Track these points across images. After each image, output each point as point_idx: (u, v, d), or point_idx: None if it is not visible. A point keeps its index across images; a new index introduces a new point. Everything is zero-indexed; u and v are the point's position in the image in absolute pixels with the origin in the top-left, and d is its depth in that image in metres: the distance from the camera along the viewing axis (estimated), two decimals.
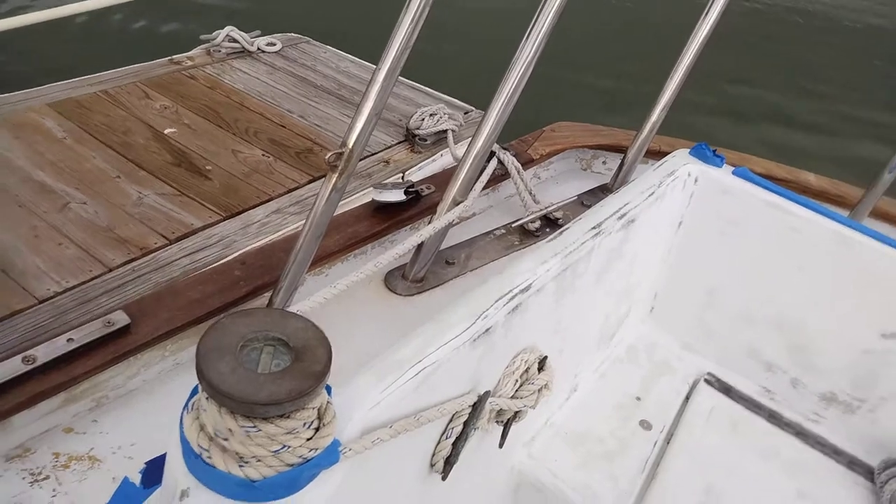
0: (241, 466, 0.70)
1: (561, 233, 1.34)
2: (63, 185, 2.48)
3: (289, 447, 0.71)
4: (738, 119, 5.55)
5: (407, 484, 1.05)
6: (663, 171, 1.63)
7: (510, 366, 1.20)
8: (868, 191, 2.07)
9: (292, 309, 1.05)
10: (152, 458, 0.84)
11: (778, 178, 2.30)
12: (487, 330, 1.08)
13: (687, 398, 1.61)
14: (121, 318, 1.38)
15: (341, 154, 1.37)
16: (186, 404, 0.75)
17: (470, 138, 1.66)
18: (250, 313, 0.76)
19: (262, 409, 0.67)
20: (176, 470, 0.72)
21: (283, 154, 2.87)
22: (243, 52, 3.65)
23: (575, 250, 1.30)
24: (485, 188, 1.88)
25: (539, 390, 1.21)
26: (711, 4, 1.89)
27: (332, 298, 1.22)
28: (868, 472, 1.50)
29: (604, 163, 2.48)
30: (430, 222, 1.67)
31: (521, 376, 1.20)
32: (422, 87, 3.54)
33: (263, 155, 2.85)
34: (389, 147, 3.01)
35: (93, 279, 2.07)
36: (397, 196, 1.91)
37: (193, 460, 0.71)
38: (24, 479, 1.24)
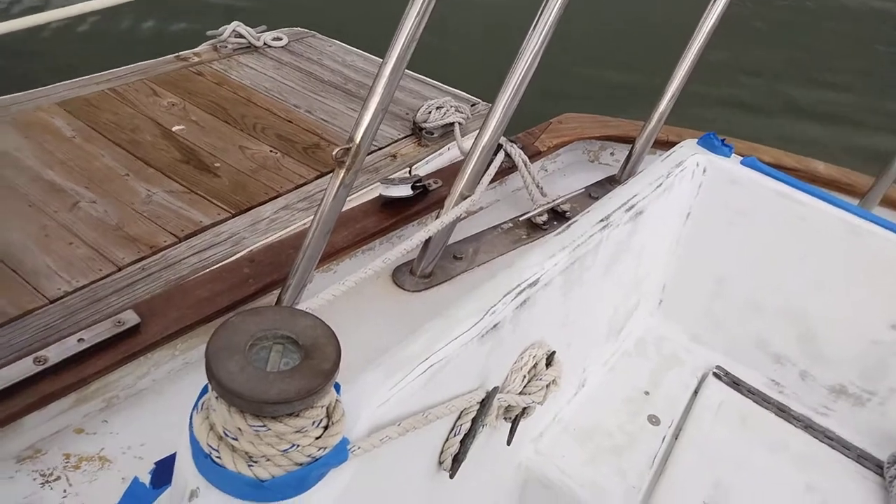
0: (250, 466, 0.70)
1: (569, 226, 1.33)
2: (72, 184, 2.49)
3: (298, 446, 0.71)
4: (746, 108, 5.50)
5: (415, 482, 1.05)
6: (671, 161, 1.61)
7: (518, 361, 1.20)
8: (878, 179, 2.05)
9: (301, 306, 1.05)
10: (162, 458, 0.85)
11: (787, 167, 2.28)
12: (496, 325, 1.08)
13: (695, 392, 1.61)
14: (131, 318, 1.39)
15: (348, 150, 1.37)
16: (196, 404, 0.75)
17: (477, 131, 1.66)
18: (259, 312, 0.76)
19: (272, 407, 0.67)
20: (185, 470, 0.73)
21: (291, 149, 2.88)
22: (250, 48, 3.65)
23: (583, 243, 1.30)
24: (492, 181, 1.87)
25: (547, 386, 1.21)
26: None
27: (340, 295, 1.22)
28: (877, 466, 1.49)
29: (612, 154, 2.47)
30: (437, 217, 1.67)
31: (529, 372, 1.20)
32: (428, 79, 3.54)
33: (271, 151, 2.85)
34: (396, 141, 3.01)
35: (103, 278, 2.08)
36: (405, 191, 1.91)
37: (203, 460, 0.71)
38: (34, 479, 1.25)
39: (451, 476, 1.06)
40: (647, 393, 1.58)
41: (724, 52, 5.35)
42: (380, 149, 2.93)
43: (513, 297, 1.12)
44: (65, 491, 1.24)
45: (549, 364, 1.24)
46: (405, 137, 3.04)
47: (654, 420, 1.52)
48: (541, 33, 1.50)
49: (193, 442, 0.72)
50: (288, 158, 2.82)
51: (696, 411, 1.55)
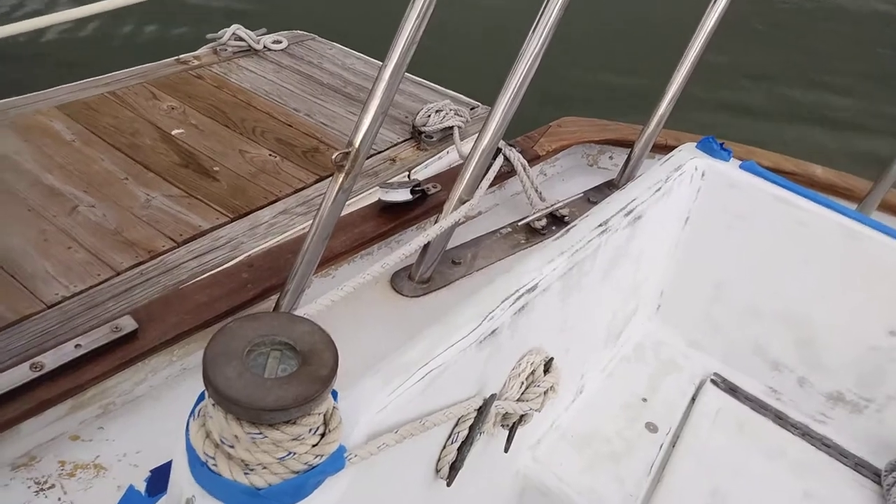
0: (246, 474, 0.70)
1: (567, 231, 1.33)
2: (72, 188, 2.49)
3: (294, 454, 0.71)
4: (745, 112, 5.50)
5: (412, 490, 1.05)
6: (670, 165, 1.61)
7: (516, 368, 1.19)
8: (876, 184, 2.05)
9: (299, 312, 1.05)
10: (158, 465, 0.85)
11: (785, 172, 2.28)
12: (494, 331, 1.08)
13: (693, 399, 1.61)
14: (128, 324, 1.39)
15: (348, 154, 1.36)
16: (193, 410, 0.75)
17: (476, 135, 1.65)
18: (257, 317, 0.76)
19: (269, 415, 0.67)
20: (181, 478, 0.73)
21: (290, 153, 2.88)
22: (249, 51, 3.65)
23: (581, 248, 1.30)
24: (491, 186, 1.87)
25: (545, 392, 1.20)
26: None
27: (338, 301, 1.21)
28: (875, 474, 1.49)
29: (610, 158, 2.47)
30: (436, 222, 1.67)
31: (527, 378, 1.19)
32: (427, 83, 3.54)
33: (270, 155, 2.85)
34: (395, 145, 3.01)
35: (101, 283, 2.08)
36: (403, 196, 1.90)
37: (199, 468, 0.71)
38: (29, 487, 1.24)
39: (449, 484, 1.06)
40: (644, 399, 1.58)
41: (723, 55, 5.35)
42: (379, 152, 2.93)
43: (511, 302, 1.12)
44: (59, 499, 1.23)
45: (546, 370, 1.24)
46: (404, 141, 3.04)
47: (651, 427, 1.52)
48: (540, 36, 1.49)
49: (189, 449, 0.72)
50: (287, 162, 2.82)
51: (694, 418, 1.55)
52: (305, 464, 0.72)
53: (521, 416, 1.19)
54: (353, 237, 1.80)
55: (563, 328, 1.36)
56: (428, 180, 2.04)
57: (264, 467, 0.70)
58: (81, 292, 2.04)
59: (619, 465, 1.42)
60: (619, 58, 5.91)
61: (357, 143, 1.35)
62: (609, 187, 2.26)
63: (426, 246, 1.72)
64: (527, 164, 2.10)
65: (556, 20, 1.48)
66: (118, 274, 2.13)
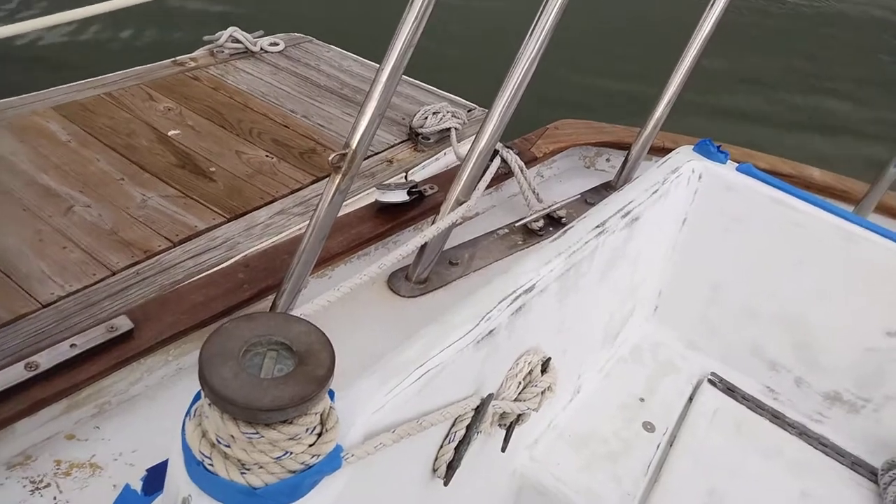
0: (242, 473, 0.70)
1: (564, 232, 1.33)
2: (67, 189, 2.48)
3: (291, 453, 0.71)
4: (742, 118, 5.51)
5: (409, 489, 1.04)
6: (667, 168, 1.62)
7: (513, 368, 1.19)
8: (873, 186, 2.05)
9: (296, 312, 1.05)
10: (154, 464, 0.84)
11: (782, 174, 2.29)
12: (491, 331, 1.08)
13: (690, 399, 1.61)
14: (124, 323, 1.38)
15: (345, 155, 1.36)
16: (189, 410, 0.75)
17: (473, 136, 1.65)
18: (253, 318, 0.75)
19: (265, 414, 0.67)
20: (177, 477, 0.72)
21: (287, 154, 2.87)
22: (246, 53, 3.65)
23: (578, 249, 1.30)
24: (488, 187, 1.87)
25: (542, 392, 1.20)
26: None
27: (335, 301, 1.21)
28: (871, 473, 1.49)
29: (607, 160, 2.47)
30: (433, 223, 1.67)
31: (524, 378, 1.19)
32: (425, 85, 3.54)
33: (267, 156, 2.85)
34: (392, 146, 3.01)
35: (97, 283, 2.07)
36: (400, 197, 1.90)
37: (195, 467, 0.71)
38: (24, 486, 1.24)
39: (446, 483, 1.06)
40: (642, 399, 1.58)
41: (720, 60, 5.37)
42: (376, 154, 2.92)
43: (508, 303, 1.12)
44: (55, 498, 1.23)
45: (544, 370, 1.24)
46: (401, 143, 3.04)
47: (649, 427, 1.52)
48: (538, 39, 1.50)
49: (186, 449, 0.72)
50: (284, 163, 2.81)
51: (691, 418, 1.55)
52: (302, 463, 0.72)
53: (519, 415, 1.19)
54: (350, 238, 1.80)
55: (561, 329, 1.36)
56: (425, 181, 2.05)
57: (261, 467, 0.70)
58: (77, 292, 2.03)
59: (617, 464, 1.42)
60: (617, 61, 5.92)
61: (354, 144, 1.35)
62: (606, 189, 2.26)
63: (423, 247, 1.72)
64: (524, 165, 2.10)
65: (554, 23, 1.49)
66: (114, 274, 2.12)
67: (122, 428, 1.36)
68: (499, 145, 1.97)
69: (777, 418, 1.59)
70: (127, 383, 1.40)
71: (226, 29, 3.65)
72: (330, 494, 0.75)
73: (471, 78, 3.74)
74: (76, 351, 1.31)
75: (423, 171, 2.89)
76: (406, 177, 2.85)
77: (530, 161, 2.21)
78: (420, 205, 1.95)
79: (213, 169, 2.72)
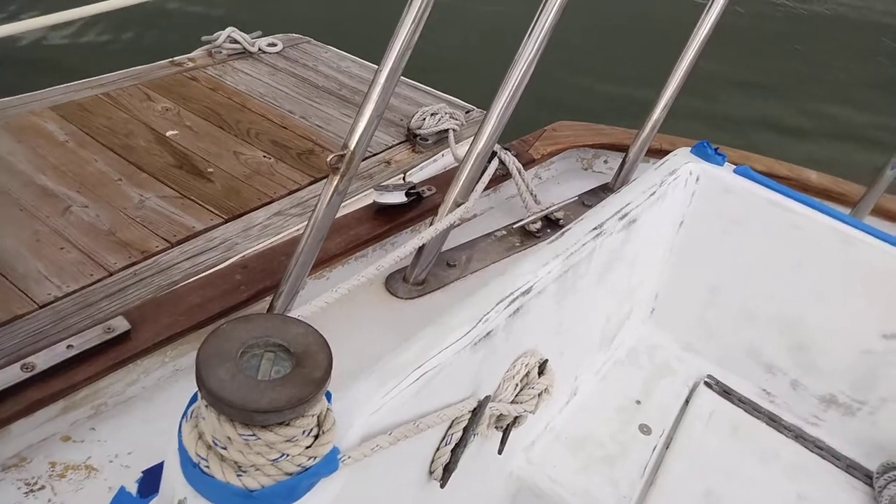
0: (238, 476, 0.70)
1: (562, 234, 1.33)
2: (65, 189, 2.48)
3: (288, 455, 0.71)
4: (739, 122, 5.51)
5: (406, 491, 1.04)
6: (665, 170, 1.62)
7: (511, 370, 1.19)
8: (870, 188, 2.06)
9: (293, 314, 1.05)
10: (150, 466, 0.84)
11: (779, 176, 2.29)
12: (488, 333, 1.08)
13: (687, 401, 1.61)
14: (121, 324, 1.38)
15: (343, 156, 1.36)
16: (185, 412, 0.75)
17: (471, 138, 1.65)
18: (251, 319, 0.75)
19: (262, 416, 0.67)
20: (173, 479, 0.72)
21: (285, 155, 2.87)
22: (244, 53, 3.65)
23: (576, 251, 1.30)
24: (486, 189, 1.87)
25: (539, 395, 1.20)
26: (713, 1, 1.88)
27: (333, 303, 1.21)
28: (867, 476, 1.49)
29: (605, 162, 2.47)
30: (431, 224, 1.67)
31: (521, 380, 1.19)
32: (423, 86, 3.54)
33: (265, 156, 2.85)
34: (391, 147, 3.01)
35: (94, 283, 2.07)
36: (398, 198, 1.90)
37: (191, 469, 0.71)
38: (18, 488, 1.23)
39: (442, 486, 1.06)
40: (638, 402, 1.58)
41: (716, 62, 5.37)
42: (374, 155, 2.92)
43: (506, 304, 1.12)
44: (49, 500, 1.22)
45: (541, 372, 1.24)
46: (399, 144, 3.04)
47: (645, 429, 1.52)
48: (536, 41, 1.50)
49: (182, 451, 0.72)
50: (282, 164, 2.81)
51: (688, 420, 1.55)
52: (299, 465, 0.72)
53: (516, 417, 1.19)
54: (347, 239, 1.79)
55: (558, 331, 1.36)
56: (423, 183, 2.04)
57: (257, 469, 0.70)
58: (74, 292, 2.03)
59: (613, 467, 1.42)
60: (615, 62, 5.93)
61: (352, 145, 1.35)
62: (604, 191, 2.26)
63: (421, 248, 1.72)
64: (522, 167, 2.10)
65: (553, 25, 1.49)
66: (111, 274, 2.12)
67: (118, 429, 1.36)
68: (497, 147, 1.97)
69: (773, 421, 1.59)
70: (124, 384, 1.40)
71: (224, 29, 3.65)
72: (326, 497, 0.75)
73: (469, 79, 3.75)
74: (73, 352, 1.31)
75: (421, 173, 2.89)
76: (404, 178, 2.85)
77: (528, 163, 2.21)
78: (418, 206, 1.95)
79: (210, 169, 2.71)
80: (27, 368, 1.27)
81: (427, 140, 3.01)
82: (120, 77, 3.27)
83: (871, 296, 1.52)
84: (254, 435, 0.68)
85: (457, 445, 1.04)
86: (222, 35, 3.61)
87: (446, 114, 3.06)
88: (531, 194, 2.11)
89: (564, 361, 1.39)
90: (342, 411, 0.81)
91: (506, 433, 1.21)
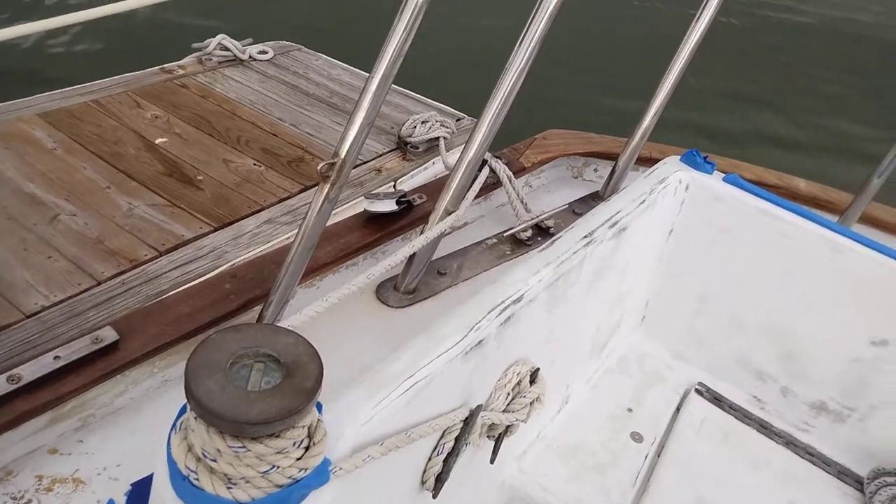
0: (229, 488, 0.69)
1: (553, 242, 1.33)
2: (53, 197, 2.46)
3: (278, 467, 0.70)
4: (726, 134, 5.54)
5: (397, 502, 1.04)
6: (654, 178, 1.63)
7: (502, 379, 1.19)
8: (857, 196, 2.08)
9: (283, 323, 1.04)
10: (139, 479, 0.83)
11: (768, 185, 2.30)
12: (480, 342, 1.08)
13: (678, 409, 1.61)
14: (109, 335, 1.36)
15: (333, 164, 1.36)
16: (174, 424, 0.74)
17: (462, 146, 1.66)
18: (240, 329, 0.75)
19: (252, 428, 0.66)
20: (162, 492, 0.71)
21: (275, 163, 2.87)
22: (235, 61, 3.64)
23: (567, 260, 1.30)
24: (476, 197, 1.87)
25: (531, 403, 1.20)
26: (703, 10, 1.90)
27: (323, 312, 1.21)
28: (857, 482, 1.50)
29: (595, 170, 2.48)
30: (422, 232, 1.67)
31: (512, 389, 1.19)
32: (413, 94, 3.55)
33: (255, 164, 2.84)
34: (381, 155, 3.01)
35: (81, 293, 2.05)
36: (389, 206, 1.90)
37: (180, 482, 0.70)
38: (4, 503, 1.21)
39: (434, 496, 1.05)
40: (630, 410, 1.58)
41: (705, 74, 5.41)
42: (364, 163, 2.92)
43: (497, 313, 1.12)
44: None
45: (532, 381, 1.24)
46: (390, 151, 3.04)
47: (637, 437, 1.52)
48: (527, 49, 1.50)
49: (171, 463, 0.71)
50: (272, 172, 2.80)
51: (679, 428, 1.55)
52: (289, 477, 0.71)
53: (507, 426, 1.19)
54: (338, 248, 1.79)
55: (549, 339, 1.36)
56: (414, 191, 2.04)
57: (247, 481, 0.70)
58: (61, 302, 2.01)
59: (605, 475, 1.42)
60: (606, 70, 5.96)
61: (343, 153, 1.35)
62: (594, 199, 2.27)
63: (412, 256, 1.71)
64: (512, 175, 2.10)
65: (544, 33, 1.49)
66: (99, 283, 2.10)
67: (106, 441, 1.34)
68: (487, 155, 1.97)
69: (764, 428, 1.60)
70: (112, 395, 1.38)
71: (214, 36, 3.64)
72: None
73: (460, 87, 3.76)
74: (60, 363, 1.29)
75: (411, 181, 2.89)
76: (395, 186, 2.85)
77: (518, 171, 2.21)
78: (409, 214, 1.95)
79: (200, 177, 2.70)
80: (13, 380, 1.26)
81: (418, 148, 3.01)
82: (109, 84, 3.25)
83: (860, 303, 1.53)
84: (244, 447, 0.67)
85: (449, 455, 1.04)
86: (213, 42, 3.61)
87: (437, 122, 3.06)
88: (522, 202, 2.11)
89: (556, 370, 1.39)
90: (333, 422, 0.80)
91: (498, 442, 1.20)
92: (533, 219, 2.09)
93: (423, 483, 1.05)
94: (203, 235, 2.38)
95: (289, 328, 0.77)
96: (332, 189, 1.38)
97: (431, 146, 3.03)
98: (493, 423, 1.16)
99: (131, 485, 0.85)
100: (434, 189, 1.93)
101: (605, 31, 6.70)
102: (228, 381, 0.69)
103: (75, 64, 4.96)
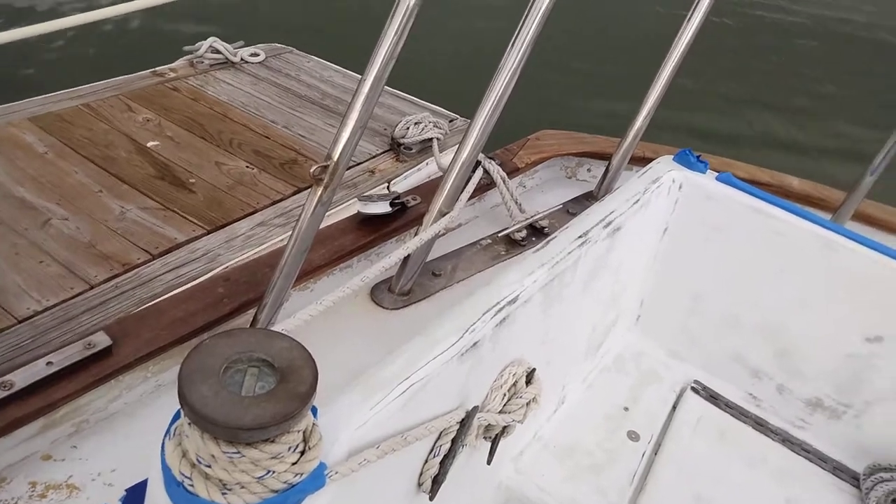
0: (224, 494, 0.68)
1: (547, 242, 1.33)
2: (44, 201, 2.45)
3: (273, 472, 0.70)
4: (718, 135, 5.55)
5: None
6: (648, 177, 1.63)
7: (498, 379, 1.19)
8: (850, 194, 2.08)
9: (277, 327, 1.04)
10: (133, 484, 0.83)
11: (761, 183, 2.31)
12: (475, 343, 1.07)
13: (674, 407, 1.61)
14: (102, 340, 1.36)
15: (326, 167, 1.35)
16: (168, 429, 0.73)
17: (455, 147, 1.65)
18: (234, 334, 0.74)
19: (247, 433, 0.66)
20: (157, 498, 0.71)
21: (268, 165, 2.86)
22: (226, 63, 3.63)
23: (561, 260, 1.30)
24: (470, 198, 1.87)
25: (527, 404, 1.20)
26: (694, 9, 1.90)
27: (317, 315, 1.20)
28: (853, 478, 1.51)
29: (588, 170, 2.48)
30: (416, 234, 1.66)
31: (509, 390, 1.19)
32: (407, 95, 3.54)
33: (247, 167, 2.83)
34: (374, 157, 3.00)
35: (74, 297, 2.04)
36: (383, 208, 1.90)
37: (175, 488, 0.69)
38: None
39: (431, 498, 1.05)
40: (626, 409, 1.58)
41: (698, 74, 5.42)
42: (358, 164, 2.92)
43: (492, 314, 1.11)
44: None
45: (528, 382, 1.24)
46: (383, 153, 3.04)
47: (633, 436, 1.52)
48: (520, 50, 1.50)
49: (165, 469, 0.71)
50: (265, 174, 2.79)
51: (675, 426, 1.55)
52: (285, 482, 0.71)
53: (504, 427, 1.19)
54: (332, 250, 1.78)
55: (545, 339, 1.36)
56: (407, 192, 2.04)
57: (242, 487, 0.69)
58: (54, 306, 1.99)
59: (602, 474, 1.42)
60: (599, 70, 5.97)
61: (336, 156, 1.34)
62: (588, 199, 2.27)
63: (406, 258, 1.71)
64: (506, 176, 2.10)
65: (536, 34, 1.49)
66: (92, 287, 2.09)
67: (100, 447, 1.33)
68: (481, 156, 1.97)
69: (760, 425, 1.60)
70: (105, 401, 1.37)
71: (205, 39, 3.63)
72: None
73: (453, 89, 3.75)
74: (53, 369, 1.28)
75: (405, 182, 2.89)
76: (388, 187, 2.84)
77: (512, 172, 2.21)
78: (403, 216, 1.95)
79: (192, 180, 2.69)
80: (5, 386, 1.25)
81: (411, 149, 3.01)
82: (100, 88, 3.24)
83: (854, 300, 1.54)
84: (238, 452, 0.67)
85: (445, 457, 1.04)
86: (204, 45, 3.59)
87: (430, 123, 3.06)
88: (516, 203, 2.11)
89: (551, 370, 1.39)
90: (328, 426, 0.80)
91: (494, 443, 1.20)
92: (527, 219, 2.09)
93: (419, 485, 1.05)
94: (196, 238, 2.37)
95: (283, 332, 0.76)
96: (325, 192, 1.38)
97: (425, 147, 3.03)
98: (489, 425, 1.16)
99: (126, 490, 0.85)
100: (428, 190, 1.92)
101: (598, 32, 6.71)
102: (222, 386, 0.68)
103: (66, 68, 4.93)
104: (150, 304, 1.56)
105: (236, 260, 2.28)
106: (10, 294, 2.02)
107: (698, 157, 1.70)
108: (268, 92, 3.44)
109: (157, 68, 3.49)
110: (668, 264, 1.72)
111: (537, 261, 1.26)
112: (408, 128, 3.02)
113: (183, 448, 0.70)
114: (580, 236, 1.36)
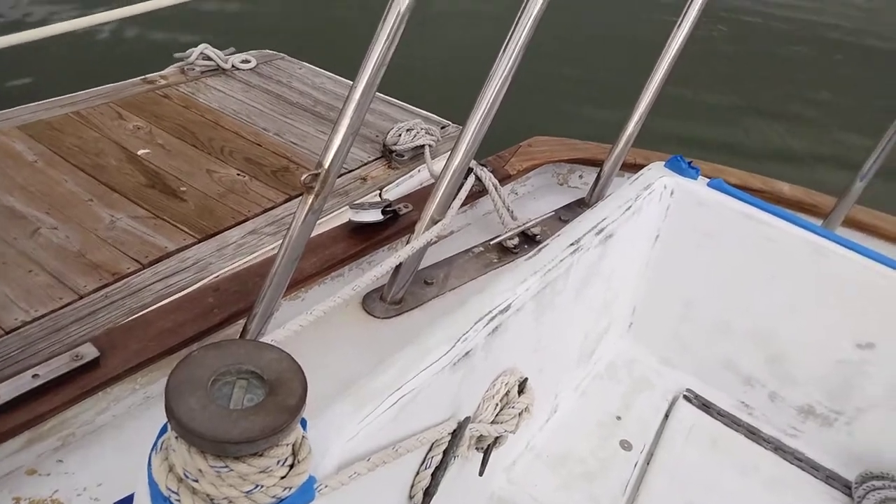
0: None
1: (539, 250, 1.33)
2: (33, 210, 2.43)
3: (262, 487, 0.69)
4: (713, 142, 5.56)
5: None
6: (639, 184, 1.63)
7: (490, 389, 1.18)
8: (840, 200, 2.09)
9: (267, 338, 1.02)
10: (120, 499, 0.81)
11: (753, 189, 2.31)
12: (467, 353, 1.07)
13: (666, 416, 1.61)
14: (89, 352, 1.34)
15: (317, 175, 1.35)
16: (155, 443, 0.72)
17: (447, 153, 1.65)
18: (222, 346, 0.73)
19: (234, 447, 0.65)
20: None
21: (259, 173, 2.85)
22: (218, 70, 3.62)
23: (554, 267, 1.29)
24: (462, 205, 1.87)
25: (520, 414, 1.19)
26: (685, 15, 1.90)
27: (308, 325, 1.19)
28: (845, 487, 1.50)
29: (580, 177, 2.48)
30: (408, 242, 1.66)
31: (501, 400, 1.18)
32: (398, 102, 3.54)
33: (239, 174, 2.82)
34: (366, 164, 3.00)
35: (63, 307, 2.02)
36: (374, 216, 1.89)
37: (162, 503, 0.68)
38: None
39: None
40: (618, 418, 1.58)
41: (689, 80, 5.43)
42: (349, 171, 2.91)
43: (484, 323, 1.11)
44: None
45: (521, 391, 1.23)
46: (375, 160, 3.03)
47: (625, 445, 1.51)
48: (511, 56, 1.50)
49: (152, 484, 0.69)
50: (256, 182, 2.78)
51: (668, 435, 1.55)
52: (274, 497, 0.70)
53: (496, 438, 1.18)
54: (323, 259, 1.77)
55: (537, 348, 1.35)
56: (399, 200, 2.03)
57: (230, 502, 0.68)
58: (43, 317, 1.98)
59: (594, 483, 1.41)
60: (589, 76, 5.99)
61: (327, 163, 1.33)
62: (580, 206, 2.27)
63: (398, 266, 1.70)
64: (498, 183, 2.10)
65: (527, 40, 1.49)
66: (81, 297, 2.07)
67: (86, 461, 1.31)
68: (473, 163, 1.97)
69: (752, 434, 1.60)
70: (92, 413, 1.35)
71: (196, 46, 3.62)
72: None
73: (445, 94, 3.75)
74: (39, 381, 1.27)
75: (397, 189, 2.89)
76: (380, 195, 2.84)
77: (504, 178, 2.21)
78: (394, 224, 1.94)
79: (183, 188, 2.68)
80: None
81: (403, 156, 3.00)
82: (90, 95, 3.23)
83: (845, 306, 1.54)
84: (226, 466, 0.66)
85: (437, 469, 1.03)
86: (195, 52, 3.59)
87: (422, 129, 3.06)
88: (508, 210, 2.11)
89: (544, 379, 1.38)
90: (318, 438, 0.79)
91: (486, 454, 1.19)
92: (519, 226, 2.08)
93: (410, 498, 1.04)
94: (186, 247, 2.35)
95: (272, 343, 0.75)
96: (316, 200, 1.37)
97: (417, 154, 3.03)
98: (481, 435, 1.15)
99: None
100: (420, 198, 1.91)
101: (589, 39, 6.73)
102: (210, 399, 0.67)
103: (56, 76, 4.91)
104: (139, 314, 1.55)
105: (227, 268, 2.27)
106: None
107: (689, 163, 1.70)
108: (259, 99, 3.44)
109: (148, 75, 3.48)
110: (660, 271, 1.72)
111: (529, 269, 1.25)
112: (400, 134, 3.02)
113: (170, 462, 0.69)
114: (572, 244, 1.36)
